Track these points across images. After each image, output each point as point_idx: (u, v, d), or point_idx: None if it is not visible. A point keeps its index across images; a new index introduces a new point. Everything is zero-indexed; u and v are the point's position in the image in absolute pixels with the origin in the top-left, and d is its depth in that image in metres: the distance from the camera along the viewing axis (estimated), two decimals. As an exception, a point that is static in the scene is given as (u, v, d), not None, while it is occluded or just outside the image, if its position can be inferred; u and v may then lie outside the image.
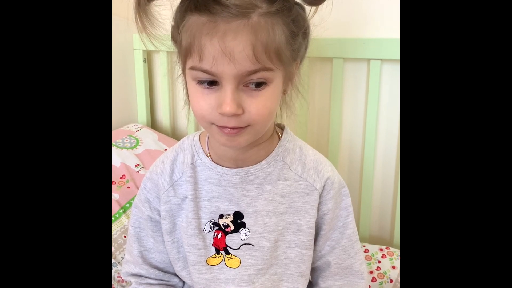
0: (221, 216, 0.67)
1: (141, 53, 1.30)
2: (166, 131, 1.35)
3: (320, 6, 0.61)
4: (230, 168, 0.66)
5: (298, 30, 0.58)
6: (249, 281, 0.67)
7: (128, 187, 1.06)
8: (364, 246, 1.00)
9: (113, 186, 1.06)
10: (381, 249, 0.99)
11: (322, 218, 0.68)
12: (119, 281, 0.92)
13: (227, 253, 0.68)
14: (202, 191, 0.67)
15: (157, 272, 0.73)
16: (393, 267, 0.95)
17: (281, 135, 0.68)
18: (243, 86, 0.54)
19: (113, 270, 0.92)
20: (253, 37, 0.52)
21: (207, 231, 0.68)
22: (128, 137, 1.22)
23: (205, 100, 0.56)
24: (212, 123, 0.57)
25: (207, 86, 0.55)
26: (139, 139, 1.21)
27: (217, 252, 0.68)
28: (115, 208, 1.02)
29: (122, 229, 0.99)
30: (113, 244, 0.96)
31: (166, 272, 0.74)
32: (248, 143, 0.60)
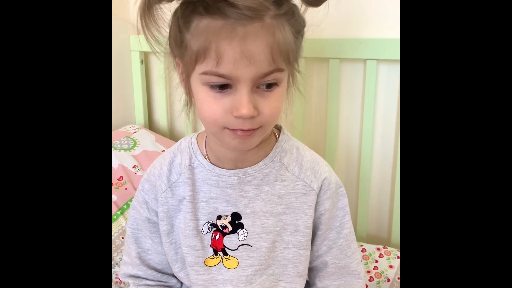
0: (219, 217, 0.67)
1: (138, 54, 1.30)
2: (164, 132, 1.35)
3: (322, 8, 0.61)
4: (228, 169, 0.66)
5: (300, 31, 0.59)
6: (247, 282, 0.68)
7: (126, 189, 1.06)
8: (362, 245, 1.01)
9: (110, 187, 1.06)
10: (378, 249, 0.99)
11: (319, 218, 0.69)
12: (117, 282, 0.92)
13: (225, 254, 0.68)
14: (200, 192, 0.67)
15: (155, 273, 0.73)
16: (391, 267, 0.95)
17: (278, 136, 0.69)
18: (256, 87, 0.55)
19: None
20: (271, 38, 0.53)
21: (205, 232, 0.68)
22: (125, 138, 1.22)
23: (218, 104, 0.55)
24: (225, 127, 0.56)
25: (219, 90, 0.55)
26: (136, 141, 1.21)
27: (215, 253, 0.68)
28: (113, 209, 1.02)
29: (120, 231, 0.99)
30: (111, 245, 0.96)
31: (164, 273, 0.74)
32: (256, 144, 0.60)
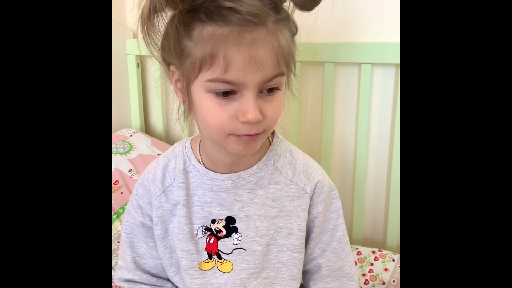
0: (213, 221, 0.67)
1: (134, 58, 1.30)
2: (160, 136, 1.36)
3: (313, 13, 0.61)
4: (222, 173, 0.66)
5: (295, 34, 0.60)
6: (242, 285, 0.68)
7: (122, 193, 1.06)
8: (357, 248, 1.01)
9: (106, 191, 1.06)
10: (373, 252, 1.00)
11: (312, 221, 0.69)
12: (112, 287, 0.92)
13: (220, 257, 0.68)
14: (194, 196, 0.67)
15: (150, 277, 0.73)
16: (386, 270, 0.95)
17: (272, 140, 0.69)
18: (259, 92, 0.55)
19: (106, 276, 0.92)
20: (276, 43, 0.54)
21: (199, 236, 0.68)
22: (121, 142, 1.22)
23: (224, 110, 0.55)
24: (230, 134, 0.56)
25: (224, 97, 0.55)
26: (132, 144, 1.21)
27: (210, 257, 0.68)
28: (108, 213, 1.02)
29: (116, 235, 0.99)
30: (106, 249, 0.96)
31: (159, 277, 0.74)
32: (258, 148, 0.61)
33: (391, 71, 1.00)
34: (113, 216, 1.02)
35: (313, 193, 0.68)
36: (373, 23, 0.99)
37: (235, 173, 0.66)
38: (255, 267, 0.67)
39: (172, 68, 0.60)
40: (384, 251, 1.00)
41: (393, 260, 0.97)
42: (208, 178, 0.66)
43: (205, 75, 0.54)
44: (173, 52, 0.57)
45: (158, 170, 0.70)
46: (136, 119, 1.36)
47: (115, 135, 1.26)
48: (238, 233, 0.67)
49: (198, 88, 0.56)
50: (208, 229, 0.68)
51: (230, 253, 0.68)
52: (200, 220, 0.68)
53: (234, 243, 0.67)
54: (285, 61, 0.56)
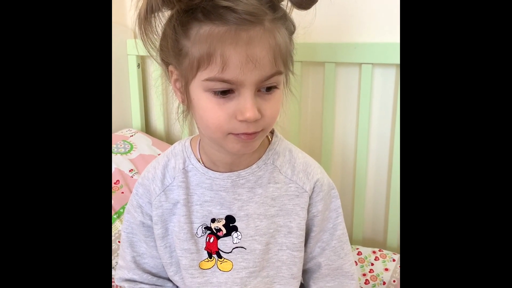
0: (213, 220, 0.68)
1: (135, 58, 1.30)
2: (160, 136, 1.36)
3: (311, 12, 0.61)
4: (222, 172, 0.66)
5: (293, 33, 0.60)
6: (242, 284, 0.68)
7: (122, 192, 1.07)
8: (357, 248, 1.01)
9: (107, 191, 1.06)
10: (374, 252, 0.99)
11: (312, 220, 0.69)
12: (113, 286, 0.92)
13: (220, 256, 0.68)
14: (194, 195, 0.68)
15: (150, 277, 0.73)
16: (386, 270, 0.95)
17: (271, 139, 0.69)
18: (257, 91, 0.55)
19: (107, 275, 0.92)
20: (273, 42, 0.54)
21: (199, 235, 0.68)
22: (122, 142, 1.22)
23: (222, 110, 0.55)
24: (229, 133, 0.57)
25: (222, 96, 0.55)
26: (133, 144, 1.21)
27: (210, 256, 0.69)
28: (109, 213, 1.02)
29: (116, 235, 0.99)
30: (107, 249, 0.96)
31: (159, 277, 0.74)
32: (257, 147, 0.61)
33: (391, 71, 1.00)
34: (114, 216, 1.02)
35: (312, 191, 0.68)
36: (374, 23, 0.99)
37: (235, 172, 0.66)
38: (255, 265, 0.67)
39: (170, 68, 0.60)
40: (385, 251, 1.00)
41: (394, 260, 0.97)
42: (207, 177, 0.66)
43: (202, 75, 0.54)
44: (171, 52, 0.57)
45: (158, 169, 0.70)
46: (136, 119, 1.37)
47: (116, 135, 1.26)
48: (238, 232, 0.67)
49: (196, 88, 0.56)
50: (208, 228, 0.68)
51: (230, 252, 0.68)
52: (200, 219, 0.68)
53: (234, 242, 0.67)
54: (283, 60, 0.56)
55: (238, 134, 0.56)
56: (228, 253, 0.68)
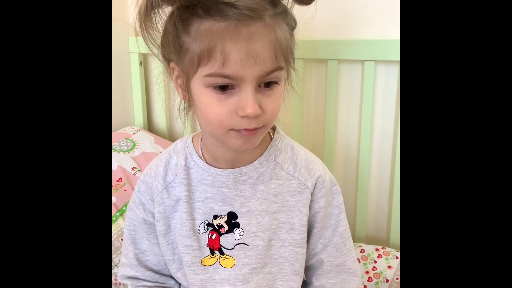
0: (215, 217, 0.67)
1: (137, 56, 1.30)
2: (163, 133, 1.36)
3: (312, 7, 0.61)
4: (223, 169, 0.66)
5: (294, 29, 0.60)
6: (244, 281, 0.68)
7: (125, 190, 1.07)
8: (360, 246, 1.01)
9: (109, 189, 1.06)
10: (377, 249, 0.99)
11: (314, 216, 0.69)
12: (115, 284, 0.92)
13: (222, 253, 0.68)
14: (196, 192, 0.68)
15: (152, 274, 0.73)
16: (389, 267, 0.95)
17: (273, 135, 0.69)
18: (257, 86, 0.55)
19: (109, 273, 0.93)
20: (273, 37, 0.54)
21: (201, 232, 0.68)
22: (124, 140, 1.22)
23: (223, 105, 0.55)
24: (230, 129, 0.56)
25: (222, 92, 0.55)
26: (135, 142, 1.22)
27: (212, 252, 0.68)
28: (112, 211, 1.02)
29: (119, 232, 1.00)
30: (109, 246, 0.97)
31: (162, 274, 0.74)
32: (259, 143, 0.61)
33: (394, 68, 1.00)
34: (117, 214, 1.02)
35: (314, 188, 0.68)
36: (376, 20, 0.98)
37: (236, 169, 0.66)
38: (257, 262, 0.67)
39: (172, 64, 0.60)
40: (388, 249, 0.99)
41: (397, 258, 0.97)
42: (209, 174, 0.66)
43: (203, 70, 0.54)
44: (172, 49, 0.57)
45: (160, 166, 0.70)
46: (139, 117, 1.37)
47: (118, 133, 1.26)
48: (240, 229, 0.67)
49: (197, 84, 0.56)
50: (210, 224, 0.68)
51: (232, 249, 0.68)
52: (202, 216, 0.68)
53: (236, 238, 0.67)
54: (284, 55, 0.56)
55: (239, 130, 0.56)
56: (230, 249, 0.68)
